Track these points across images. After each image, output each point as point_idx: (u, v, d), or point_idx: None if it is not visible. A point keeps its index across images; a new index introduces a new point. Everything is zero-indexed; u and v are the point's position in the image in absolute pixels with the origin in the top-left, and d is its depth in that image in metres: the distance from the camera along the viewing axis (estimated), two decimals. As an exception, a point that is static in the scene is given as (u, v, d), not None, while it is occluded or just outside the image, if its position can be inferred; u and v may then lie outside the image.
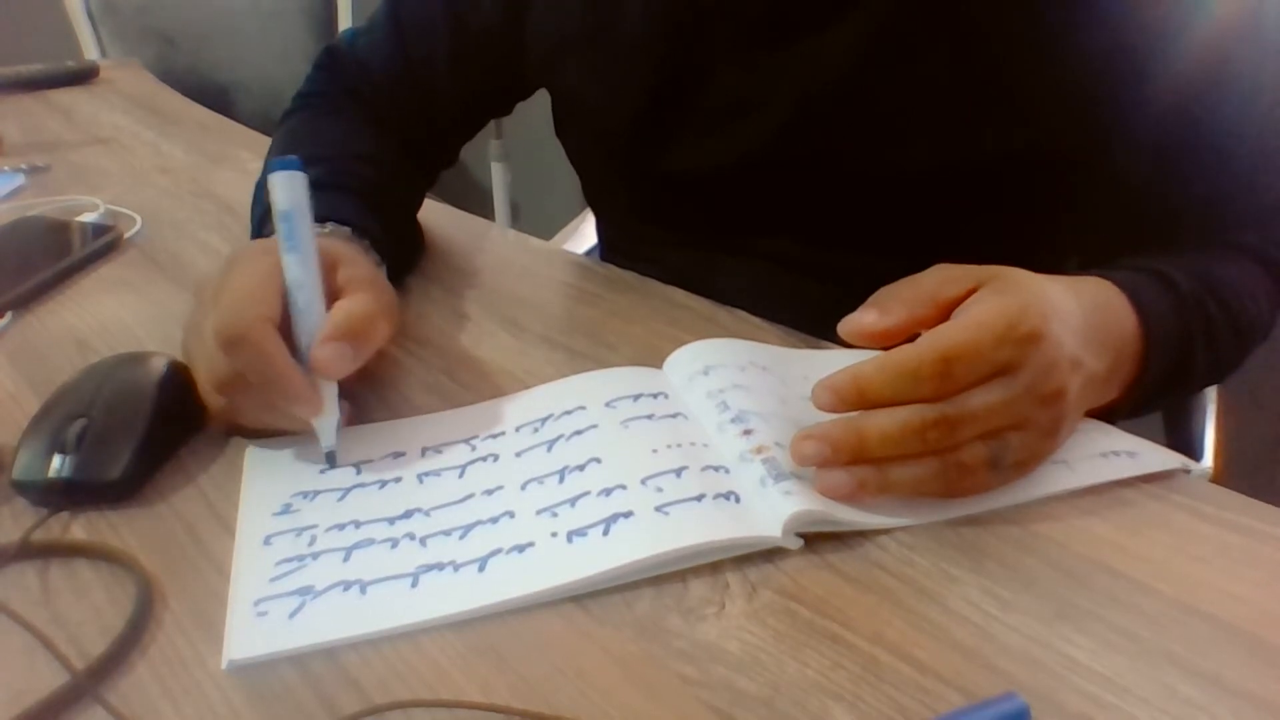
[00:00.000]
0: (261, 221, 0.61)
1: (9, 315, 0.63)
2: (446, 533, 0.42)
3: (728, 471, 0.44)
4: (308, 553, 0.41)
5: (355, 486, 0.45)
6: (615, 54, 0.65)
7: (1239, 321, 0.56)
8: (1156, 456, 0.46)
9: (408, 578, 0.40)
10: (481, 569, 0.40)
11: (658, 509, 0.42)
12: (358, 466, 0.47)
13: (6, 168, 0.93)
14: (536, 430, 0.48)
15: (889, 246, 0.58)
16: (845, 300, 0.46)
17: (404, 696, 0.34)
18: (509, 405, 0.51)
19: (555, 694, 0.34)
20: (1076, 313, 0.45)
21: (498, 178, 2.32)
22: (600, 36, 0.66)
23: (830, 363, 0.49)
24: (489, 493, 0.45)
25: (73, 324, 0.62)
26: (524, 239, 0.76)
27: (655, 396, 0.50)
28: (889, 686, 0.34)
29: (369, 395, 0.53)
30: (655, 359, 0.54)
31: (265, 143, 1.00)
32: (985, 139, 0.59)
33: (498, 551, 0.41)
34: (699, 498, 0.42)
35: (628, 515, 0.41)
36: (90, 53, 1.72)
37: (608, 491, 0.43)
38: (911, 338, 0.43)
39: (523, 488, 0.45)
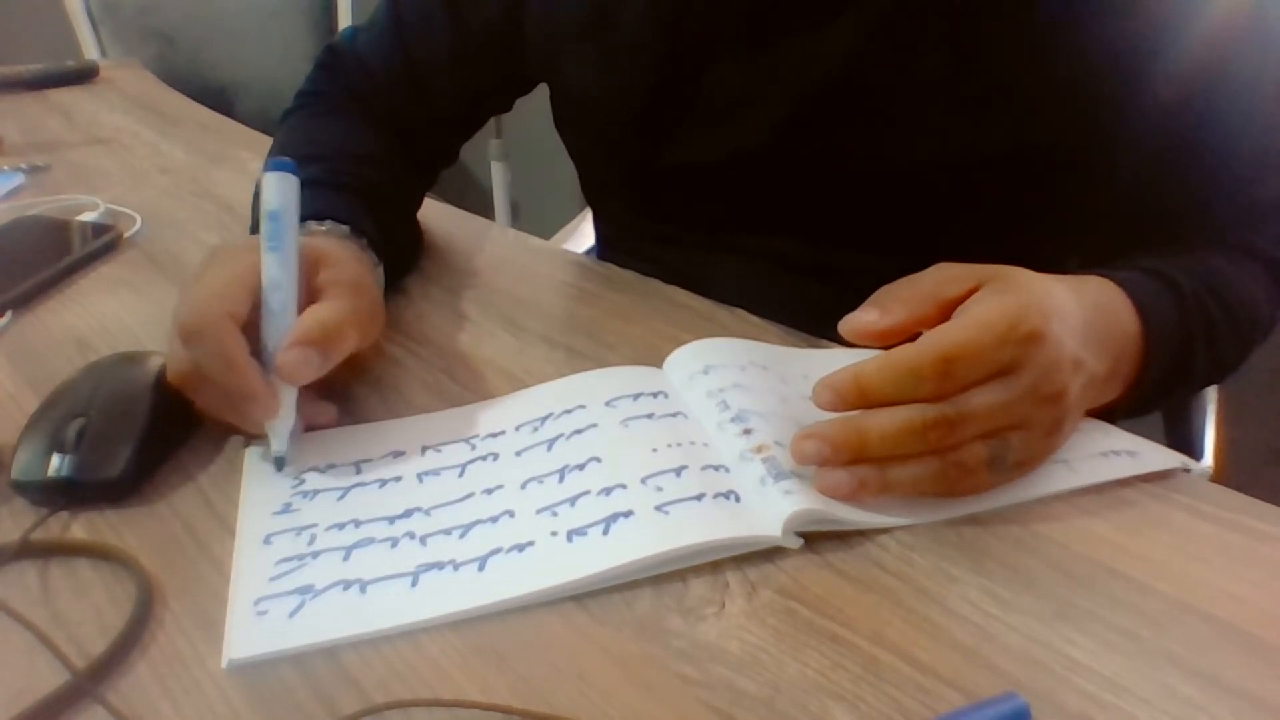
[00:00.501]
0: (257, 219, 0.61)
1: (9, 315, 0.63)
2: (446, 532, 0.42)
3: (728, 471, 0.44)
4: (308, 552, 0.41)
5: (355, 486, 0.45)
6: (614, 47, 0.66)
7: (1240, 321, 0.56)
8: (1156, 456, 0.46)
9: (408, 577, 0.40)
10: (481, 568, 0.40)
11: (658, 508, 0.42)
12: (358, 466, 0.47)
13: (6, 168, 0.93)
14: (536, 429, 0.48)
15: (889, 245, 0.58)
16: (845, 300, 0.46)
17: (404, 696, 0.34)
18: (509, 404, 0.51)
19: (555, 694, 0.34)
20: (1077, 313, 0.45)
21: (498, 177, 2.32)
22: (599, 30, 0.66)
23: (830, 362, 0.49)
24: (489, 492, 0.45)
25: (73, 324, 0.62)
26: (524, 238, 0.76)
27: (655, 396, 0.50)
28: (889, 686, 0.34)
29: (369, 395, 0.53)
30: (655, 359, 0.54)
31: (265, 143, 1.00)
32: (984, 137, 0.59)
33: (498, 551, 0.41)
34: (699, 497, 0.42)
35: (628, 514, 0.41)
36: (90, 53, 1.72)
37: (608, 491, 0.43)
38: (912, 337, 0.43)
39: (523, 487, 0.45)
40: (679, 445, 0.46)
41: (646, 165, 0.69)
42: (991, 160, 0.59)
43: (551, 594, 0.38)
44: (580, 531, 0.41)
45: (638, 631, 0.37)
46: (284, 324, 0.46)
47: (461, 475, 0.46)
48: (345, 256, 0.52)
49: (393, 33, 0.74)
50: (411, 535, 0.42)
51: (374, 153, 0.69)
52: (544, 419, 0.49)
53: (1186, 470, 0.45)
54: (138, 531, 0.43)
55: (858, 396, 0.42)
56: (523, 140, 2.09)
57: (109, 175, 0.92)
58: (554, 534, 0.41)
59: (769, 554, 0.40)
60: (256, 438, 0.48)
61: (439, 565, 0.40)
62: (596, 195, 0.80)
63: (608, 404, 0.49)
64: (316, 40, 1.84)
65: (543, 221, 2.34)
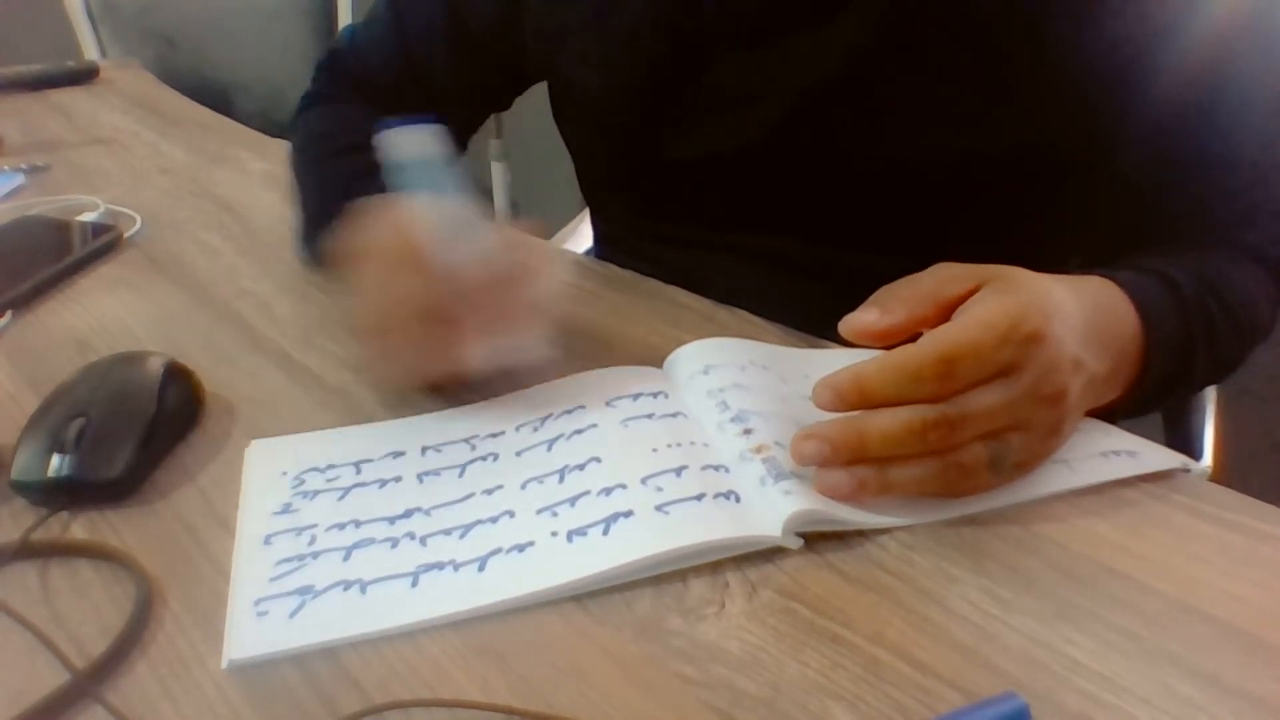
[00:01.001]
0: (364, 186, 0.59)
1: (9, 315, 0.63)
2: (446, 532, 0.42)
3: (728, 471, 0.44)
4: (308, 552, 0.41)
5: (355, 486, 0.45)
6: (615, 41, 0.66)
7: (1240, 322, 0.56)
8: (1157, 456, 0.46)
9: (408, 577, 0.40)
10: (481, 568, 0.40)
11: (658, 508, 0.42)
12: (358, 466, 0.47)
13: (6, 168, 0.93)
14: (536, 430, 0.48)
15: (889, 244, 0.58)
16: (845, 300, 0.46)
17: (404, 696, 0.34)
18: (508, 404, 0.51)
19: (555, 694, 0.34)
20: (1078, 313, 0.45)
21: (497, 177, 2.32)
22: (599, 23, 0.66)
23: (831, 362, 0.49)
24: (489, 492, 0.45)
25: (73, 324, 0.62)
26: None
27: (655, 396, 0.50)
28: (889, 686, 0.34)
29: (369, 395, 0.53)
30: (655, 359, 0.54)
31: (265, 143, 1.00)
32: (985, 136, 0.59)
33: (498, 551, 0.41)
34: (699, 497, 0.42)
35: (628, 514, 0.41)
36: (90, 53, 1.72)
37: (608, 491, 0.43)
38: (913, 337, 0.43)
39: (523, 487, 0.45)
40: (679, 445, 0.46)
41: (645, 160, 0.69)
42: (993, 159, 0.59)
43: (552, 594, 0.38)
44: (580, 531, 0.41)
45: (638, 631, 0.37)
46: (477, 249, 0.47)
47: (461, 475, 0.46)
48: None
49: (393, 31, 0.74)
50: (411, 535, 0.42)
51: None
52: (544, 419, 0.49)
53: (1186, 470, 0.45)
54: (138, 531, 0.43)
55: (858, 397, 0.41)
56: (522, 140, 2.09)
57: (109, 175, 0.92)
58: (554, 534, 0.41)
59: (769, 554, 0.40)
60: (259, 437, 0.49)
61: (439, 565, 0.40)
62: (595, 192, 0.80)
63: (608, 404, 0.49)
64: (316, 40, 1.84)
65: (542, 221, 2.34)
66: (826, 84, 0.60)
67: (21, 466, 0.45)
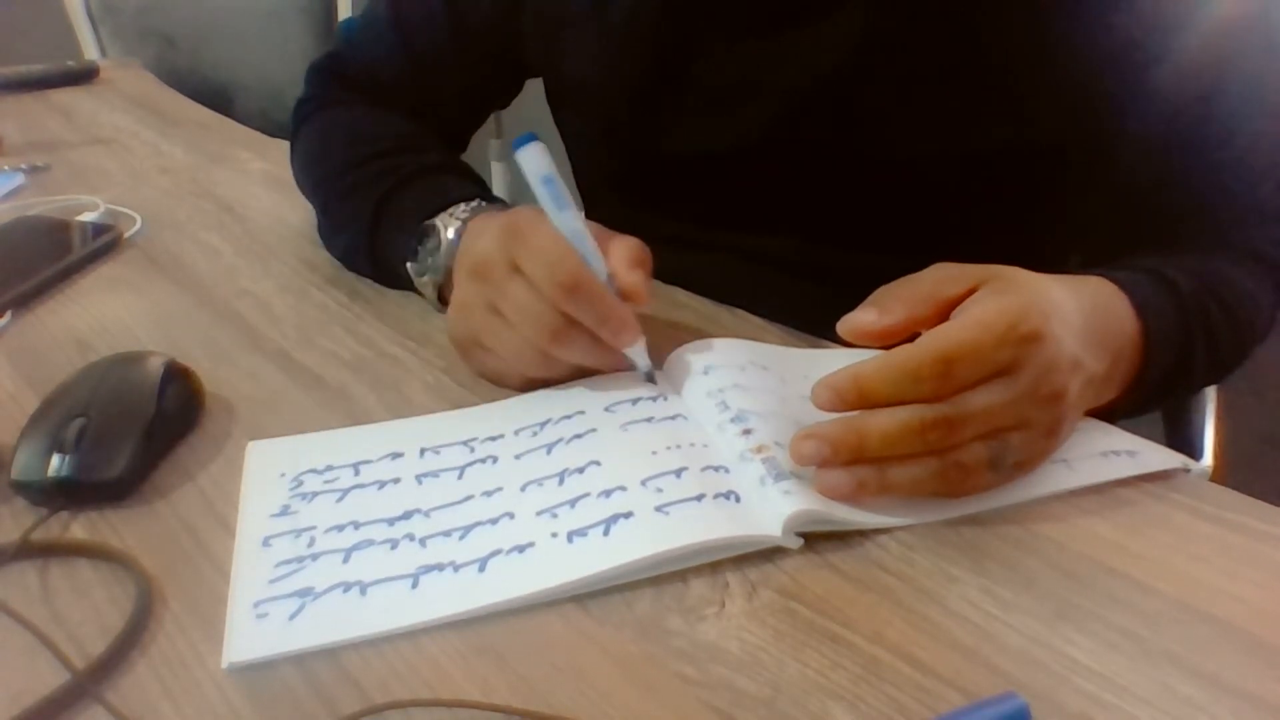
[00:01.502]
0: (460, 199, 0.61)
1: (9, 315, 0.63)
2: (446, 534, 0.42)
3: (728, 471, 0.44)
4: (307, 554, 0.41)
5: (354, 488, 0.45)
6: (611, 31, 0.66)
7: (1239, 321, 0.56)
8: (1156, 456, 0.46)
9: (408, 578, 0.40)
10: (482, 569, 0.40)
11: (658, 509, 0.42)
12: (356, 468, 0.47)
13: (6, 168, 0.93)
14: (535, 434, 0.48)
15: (887, 245, 0.58)
16: (844, 300, 0.46)
17: (404, 696, 0.34)
18: (508, 409, 0.51)
19: (555, 694, 0.34)
20: (1077, 313, 0.45)
21: (498, 177, 2.32)
22: (597, 16, 0.66)
23: (830, 362, 0.49)
24: (488, 494, 0.44)
25: (73, 324, 0.62)
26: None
27: (654, 399, 0.50)
28: (889, 686, 0.34)
29: (369, 395, 0.53)
30: (655, 359, 0.54)
31: (266, 143, 1.00)
32: (983, 134, 0.58)
33: (498, 552, 0.41)
34: (699, 497, 0.42)
35: (628, 515, 0.41)
36: (90, 53, 1.72)
37: (607, 493, 0.43)
38: (911, 337, 0.43)
39: (522, 489, 0.45)
40: (678, 447, 0.46)
41: (642, 156, 0.70)
42: (991, 159, 0.59)
43: (552, 594, 0.38)
44: (580, 532, 0.41)
45: (638, 631, 0.37)
46: (599, 264, 0.49)
47: (461, 478, 0.46)
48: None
49: (393, 29, 0.74)
50: (411, 537, 0.42)
51: (430, 137, 0.71)
52: (543, 424, 0.49)
53: (1186, 470, 0.45)
54: (137, 531, 0.43)
55: (857, 397, 0.41)
56: (523, 140, 2.09)
57: (109, 175, 0.92)
58: (554, 535, 0.41)
59: (769, 554, 0.40)
60: (258, 437, 0.49)
61: (439, 567, 0.40)
62: (593, 190, 0.80)
63: (607, 410, 0.49)
64: (316, 40, 1.84)
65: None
66: (822, 81, 0.60)
67: (21, 466, 0.45)
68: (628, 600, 0.39)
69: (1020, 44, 0.56)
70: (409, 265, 0.60)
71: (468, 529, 0.42)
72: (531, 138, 0.49)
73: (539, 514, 0.43)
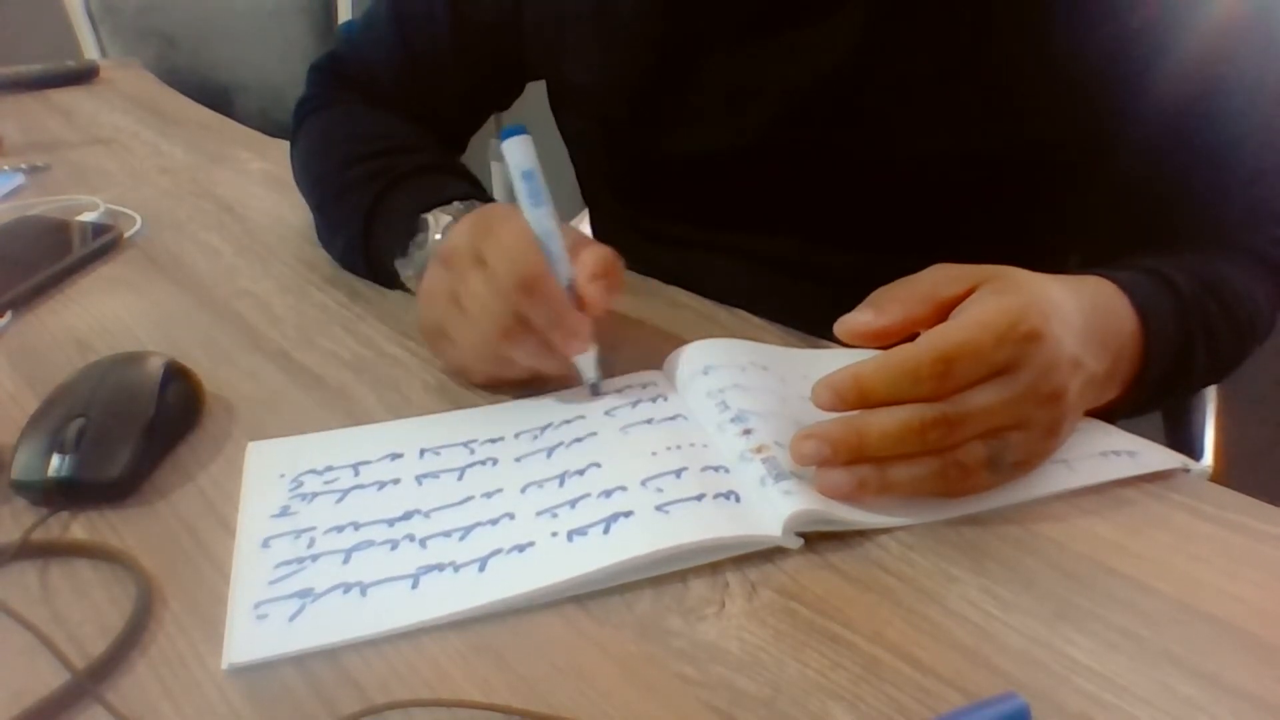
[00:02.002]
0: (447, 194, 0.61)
1: (9, 315, 0.63)
2: (446, 534, 0.42)
3: (728, 471, 0.44)
4: (307, 555, 0.41)
5: (353, 488, 0.45)
6: (613, 31, 0.66)
7: (1239, 321, 0.56)
8: (1156, 456, 0.46)
9: (408, 579, 0.40)
10: (482, 569, 0.40)
11: (658, 508, 0.42)
12: (355, 468, 0.47)
13: (6, 168, 0.93)
14: (536, 437, 0.48)
15: (887, 244, 0.58)
16: (845, 300, 0.46)
17: (404, 696, 0.34)
18: (509, 411, 0.51)
19: (555, 694, 0.34)
20: (1076, 313, 0.45)
21: (497, 178, 2.32)
22: (598, 16, 0.66)
23: (830, 362, 0.49)
24: (488, 495, 0.44)
25: (73, 324, 0.62)
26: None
27: (654, 400, 0.50)
28: (889, 686, 0.34)
29: (368, 395, 0.53)
30: (655, 359, 0.54)
31: (266, 143, 1.00)
32: (984, 134, 0.58)
33: (498, 551, 0.41)
34: (699, 497, 0.42)
35: (628, 515, 0.41)
36: (90, 53, 1.72)
37: (608, 493, 0.43)
38: (911, 337, 0.43)
39: (522, 491, 0.45)
40: (678, 448, 0.46)
41: (642, 156, 0.70)
42: (991, 159, 0.59)
43: (552, 593, 0.38)
44: (581, 531, 0.41)
45: (638, 631, 0.37)
46: (564, 268, 0.49)
47: (460, 479, 0.46)
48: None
49: (394, 29, 0.74)
50: (411, 537, 0.42)
51: (426, 137, 0.71)
52: (544, 428, 0.49)
53: (1186, 470, 0.45)
54: (137, 532, 0.43)
55: (857, 396, 0.41)
56: (523, 140, 2.09)
57: (109, 175, 0.92)
58: (554, 534, 0.41)
59: (769, 554, 0.40)
60: (266, 435, 0.49)
61: (439, 567, 0.40)
62: (593, 190, 0.80)
63: (607, 413, 0.49)
64: (316, 40, 1.84)
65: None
66: (822, 81, 0.60)
67: (21, 466, 0.45)
68: (628, 600, 0.39)
69: (1020, 44, 0.56)
70: (398, 262, 0.60)
71: (468, 529, 0.42)
72: (521, 130, 0.49)
73: (539, 514, 0.43)
